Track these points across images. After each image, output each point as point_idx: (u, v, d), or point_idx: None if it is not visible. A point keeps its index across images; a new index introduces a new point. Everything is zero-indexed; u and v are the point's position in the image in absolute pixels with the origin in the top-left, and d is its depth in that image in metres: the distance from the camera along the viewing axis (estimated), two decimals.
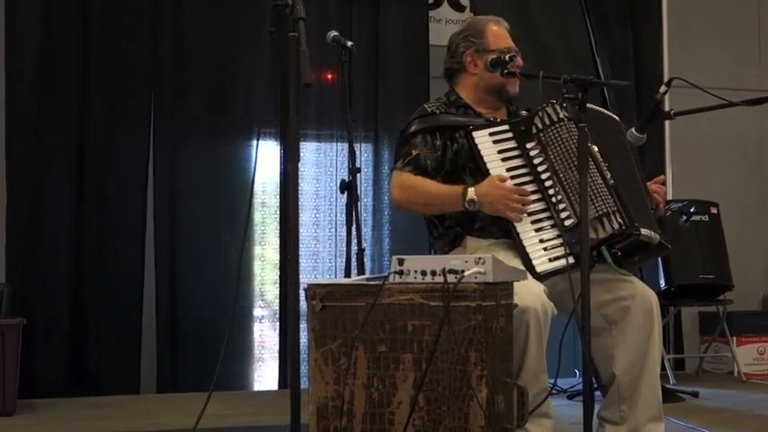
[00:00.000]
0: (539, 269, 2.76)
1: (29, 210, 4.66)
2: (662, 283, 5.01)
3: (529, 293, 2.58)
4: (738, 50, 6.08)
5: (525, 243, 2.80)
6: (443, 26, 5.35)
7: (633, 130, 3.14)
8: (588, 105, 2.85)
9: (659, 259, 4.95)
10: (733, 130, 5.84)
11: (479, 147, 2.90)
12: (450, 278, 2.26)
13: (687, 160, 5.63)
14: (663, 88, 3.09)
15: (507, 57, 3.02)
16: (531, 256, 2.79)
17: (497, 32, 3.09)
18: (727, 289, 5.15)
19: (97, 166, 4.77)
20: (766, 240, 6.15)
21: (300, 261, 5.28)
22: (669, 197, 5.17)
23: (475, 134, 2.91)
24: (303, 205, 5.08)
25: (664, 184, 3.10)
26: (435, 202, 2.94)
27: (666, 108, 3.77)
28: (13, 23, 4.70)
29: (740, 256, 5.40)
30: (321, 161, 5.18)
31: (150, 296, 4.80)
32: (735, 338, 5.37)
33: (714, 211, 5.24)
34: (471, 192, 2.83)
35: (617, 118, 3.12)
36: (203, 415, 2.56)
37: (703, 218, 5.17)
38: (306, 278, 4.89)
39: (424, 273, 2.32)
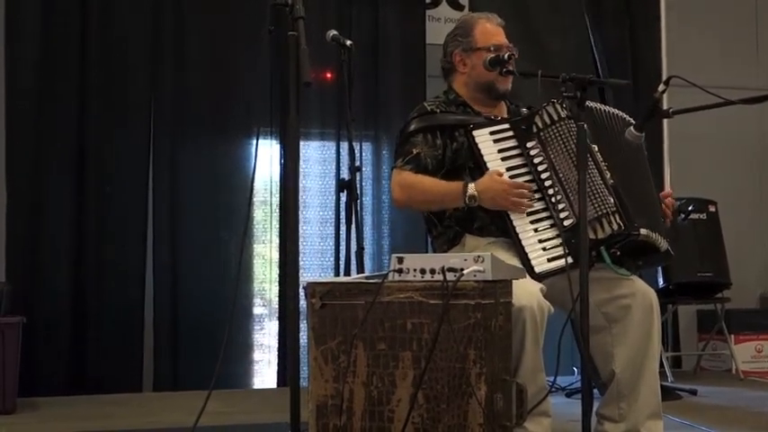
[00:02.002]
0: (537, 269, 2.76)
1: (29, 208, 4.67)
2: (660, 280, 5.02)
3: (525, 292, 2.59)
4: (736, 49, 6.09)
5: (524, 243, 2.81)
6: (442, 25, 5.35)
7: (631, 128, 3.14)
8: (591, 104, 2.86)
9: None
10: (731, 129, 5.85)
11: (479, 145, 2.90)
12: (450, 276, 2.27)
13: (685, 159, 5.64)
14: (661, 87, 3.09)
15: (506, 55, 3.01)
16: (530, 256, 2.79)
17: (486, 30, 3.08)
18: (726, 287, 5.16)
19: (97, 165, 4.78)
20: (764, 238, 6.16)
21: (305, 259, 5.31)
22: None
23: (475, 133, 2.91)
24: (307, 203, 5.10)
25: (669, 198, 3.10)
26: (435, 199, 2.95)
27: (665, 106, 3.77)
28: (13, 23, 4.71)
29: (738, 255, 5.41)
30: (326, 159, 5.19)
31: (150, 295, 4.81)
32: (733, 336, 5.38)
33: (712, 209, 5.25)
34: (471, 187, 2.84)
35: (626, 116, 3.08)
36: (203, 413, 2.57)
37: (702, 216, 5.18)
38: (311, 276, 4.90)
39: (423, 271, 2.33)
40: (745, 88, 4.48)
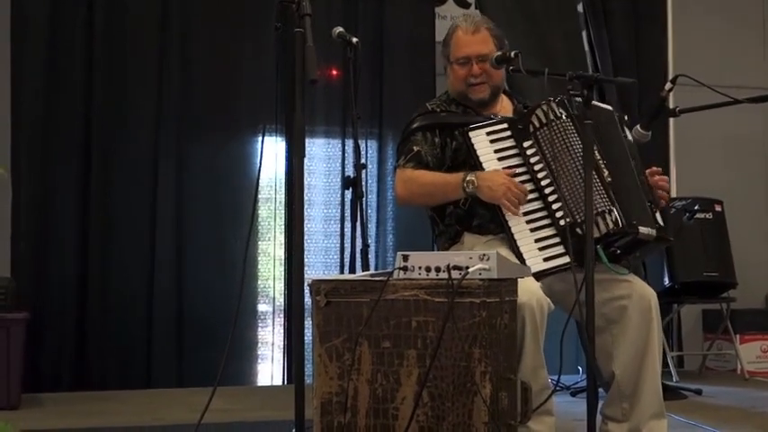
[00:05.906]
0: (533, 269, 2.75)
1: (35, 205, 4.67)
2: (666, 280, 5.01)
3: (524, 289, 2.58)
4: (743, 48, 6.07)
5: (519, 243, 2.81)
6: (449, 23, 5.30)
7: (638, 127, 3.13)
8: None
9: (663, 256, 4.96)
10: (738, 128, 5.83)
11: (475, 146, 2.90)
12: (455, 274, 2.26)
13: (691, 158, 5.63)
14: (668, 85, 3.09)
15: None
16: (525, 255, 2.79)
17: (459, 40, 3.08)
18: (731, 287, 5.14)
19: (103, 163, 4.78)
20: None
21: (309, 256, 5.30)
22: (673, 195, 5.17)
23: (471, 134, 2.91)
24: (312, 200, 5.10)
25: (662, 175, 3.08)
26: (436, 191, 2.95)
27: (671, 105, 3.77)
28: (20, 20, 4.71)
29: (744, 254, 5.40)
30: (331, 156, 5.19)
31: (155, 291, 4.81)
32: (738, 336, 5.36)
33: (718, 208, 5.24)
34: (472, 174, 2.84)
35: (610, 108, 3.09)
36: (208, 410, 2.57)
37: (707, 215, 5.17)
38: (316, 273, 4.90)
39: (428, 269, 2.33)
40: (751, 87, 4.47)
